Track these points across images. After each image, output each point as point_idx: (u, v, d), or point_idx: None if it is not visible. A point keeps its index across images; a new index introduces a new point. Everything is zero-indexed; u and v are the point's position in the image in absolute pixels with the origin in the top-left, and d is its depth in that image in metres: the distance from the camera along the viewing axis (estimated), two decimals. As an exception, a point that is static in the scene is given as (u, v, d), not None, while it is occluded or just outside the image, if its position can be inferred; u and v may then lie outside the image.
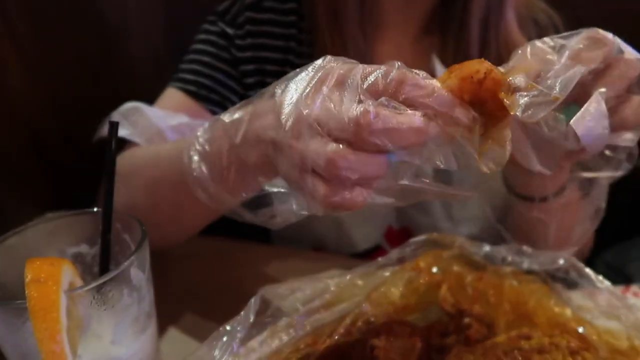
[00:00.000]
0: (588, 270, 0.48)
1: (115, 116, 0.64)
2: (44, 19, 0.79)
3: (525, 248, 0.51)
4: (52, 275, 0.32)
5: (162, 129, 0.63)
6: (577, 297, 0.48)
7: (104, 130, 0.62)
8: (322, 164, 0.33)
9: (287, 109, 0.35)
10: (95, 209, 0.42)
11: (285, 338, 0.43)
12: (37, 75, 0.78)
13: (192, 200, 0.46)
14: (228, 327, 0.40)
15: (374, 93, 0.33)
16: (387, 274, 0.50)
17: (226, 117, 0.42)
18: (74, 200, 0.80)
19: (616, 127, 0.41)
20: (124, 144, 0.66)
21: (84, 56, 0.87)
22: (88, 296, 0.34)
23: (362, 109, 0.32)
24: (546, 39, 0.40)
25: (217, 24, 0.72)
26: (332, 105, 0.33)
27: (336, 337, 0.44)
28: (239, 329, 0.40)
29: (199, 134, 0.46)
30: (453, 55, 0.68)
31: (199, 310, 0.56)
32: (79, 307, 0.33)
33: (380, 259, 0.51)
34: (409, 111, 0.33)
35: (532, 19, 0.72)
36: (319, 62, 0.36)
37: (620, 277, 0.87)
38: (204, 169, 0.44)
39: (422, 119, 0.33)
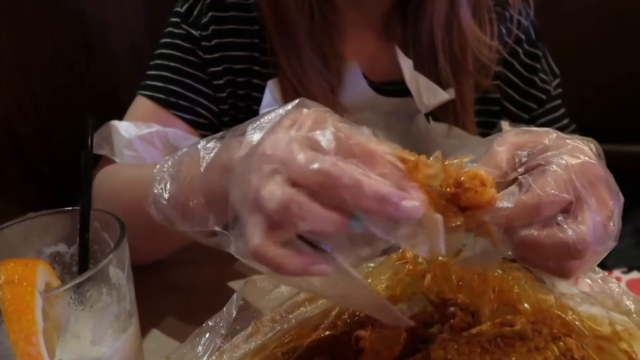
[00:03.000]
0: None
1: (95, 138, 0.64)
2: (21, 15, 0.78)
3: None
4: (26, 276, 0.31)
5: (131, 139, 0.63)
6: (560, 284, 0.48)
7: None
8: (274, 206, 0.31)
9: (253, 145, 0.34)
10: (72, 208, 0.41)
11: (270, 333, 0.43)
12: (15, 73, 0.77)
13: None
14: (210, 323, 0.40)
15: (341, 150, 0.33)
16: (372, 265, 0.50)
17: (200, 145, 0.42)
18: (57, 199, 0.79)
19: None
20: (99, 158, 0.67)
21: (63, 52, 0.86)
22: (65, 296, 0.33)
23: (332, 160, 0.31)
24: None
25: (181, 26, 0.70)
26: (300, 151, 0.32)
27: (322, 330, 0.44)
28: (221, 324, 0.40)
29: (170, 157, 0.45)
30: (412, 49, 0.69)
31: (184, 307, 0.55)
32: (56, 307, 0.33)
33: (364, 251, 0.51)
34: (380, 179, 0.32)
35: None
36: (292, 105, 0.36)
37: (600, 267, 0.89)
38: (164, 188, 0.43)
39: (393, 190, 0.31)
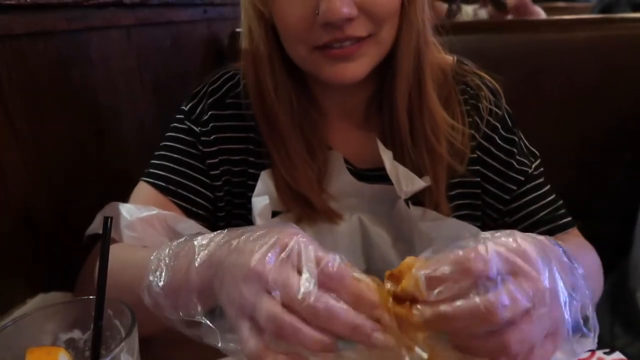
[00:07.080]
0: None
1: (97, 218, 0.69)
2: (38, 99, 0.83)
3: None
4: (49, 364, 0.35)
5: (132, 221, 0.68)
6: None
7: (95, 226, 0.68)
8: (271, 326, 0.39)
9: (247, 260, 0.41)
10: (87, 297, 0.45)
11: None
12: (31, 154, 0.82)
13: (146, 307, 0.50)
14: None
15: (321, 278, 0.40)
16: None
17: (197, 241, 0.48)
18: (66, 279, 0.82)
19: None
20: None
21: (77, 136, 0.92)
22: (81, 382, 0.37)
23: (315, 291, 0.39)
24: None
25: (184, 122, 0.78)
26: (294, 280, 0.40)
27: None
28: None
29: (166, 247, 0.51)
30: (390, 138, 0.75)
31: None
32: (73, 393, 0.36)
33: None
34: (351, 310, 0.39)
35: (463, 84, 0.80)
36: (276, 229, 0.43)
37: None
38: (159, 277, 0.49)
39: (362, 320, 0.39)
